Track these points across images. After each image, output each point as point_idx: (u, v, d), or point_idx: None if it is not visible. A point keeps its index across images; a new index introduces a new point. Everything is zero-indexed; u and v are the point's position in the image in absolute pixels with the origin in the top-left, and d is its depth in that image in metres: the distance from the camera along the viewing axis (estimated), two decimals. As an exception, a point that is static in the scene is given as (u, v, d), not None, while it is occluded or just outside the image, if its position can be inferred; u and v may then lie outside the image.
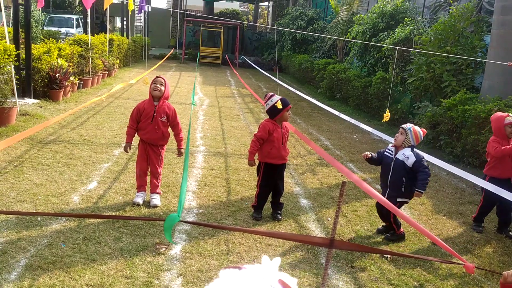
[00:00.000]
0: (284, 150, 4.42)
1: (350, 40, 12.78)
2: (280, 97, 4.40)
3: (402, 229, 4.33)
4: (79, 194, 4.62)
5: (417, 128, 4.27)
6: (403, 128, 4.27)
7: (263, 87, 16.00)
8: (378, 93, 10.86)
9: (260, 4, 34.83)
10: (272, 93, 4.47)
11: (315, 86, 16.22)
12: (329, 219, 4.71)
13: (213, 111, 10.48)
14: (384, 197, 4.31)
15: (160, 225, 4.04)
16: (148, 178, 4.65)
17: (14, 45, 7.65)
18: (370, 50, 12.30)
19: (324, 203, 5.16)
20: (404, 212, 4.75)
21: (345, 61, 14.53)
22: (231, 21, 27.43)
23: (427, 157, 4.71)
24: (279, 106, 4.28)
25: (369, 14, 12.62)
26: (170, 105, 4.62)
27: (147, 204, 4.57)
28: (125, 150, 4.52)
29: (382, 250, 3.80)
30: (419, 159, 4.17)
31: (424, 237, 4.37)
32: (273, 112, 4.38)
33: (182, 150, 4.63)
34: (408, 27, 10.31)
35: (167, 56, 21.09)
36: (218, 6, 35.63)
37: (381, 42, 11.30)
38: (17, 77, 8.01)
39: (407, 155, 4.18)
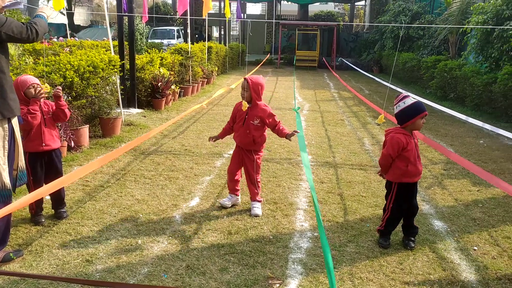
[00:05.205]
0: (420, 164, 3.60)
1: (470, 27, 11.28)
2: (415, 100, 3.57)
3: None
4: (181, 211, 4.23)
5: None
6: None
7: (365, 89, 14.97)
8: (505, 90, 9.36)
9: (356, 3, 33.40)
10: (406, 94, 3.65)
11: (423, 86, 14.79)
12: (475, 248, 3.77)
13: (314, 116, 9.80)
14: None
15: (270, 253, 3.47)
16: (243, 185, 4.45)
17: (118, 56, 7.71)
18: (492, 42, 10.73)
19: (464, 227, 4.21)
20: None
21: (462, 56, 12.96)
22: (326, 23, 26.63)
23: None
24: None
25: (491, 1, 11.06)
26: (265, 107, 4.16)
27: (247, 212, 4.26)
28: (209, 139, 4.36)
29: None
30: None
31: None
32: (403, 116, 3.58)
33: (290, 137, 4.03)
34: (545, 11, 8.72)
35: (263, 61, 20.94)
36: (312, 9, 34.97)
37: (508, 32, 9.76)
38: (122, 87, 8.08)
39: None
